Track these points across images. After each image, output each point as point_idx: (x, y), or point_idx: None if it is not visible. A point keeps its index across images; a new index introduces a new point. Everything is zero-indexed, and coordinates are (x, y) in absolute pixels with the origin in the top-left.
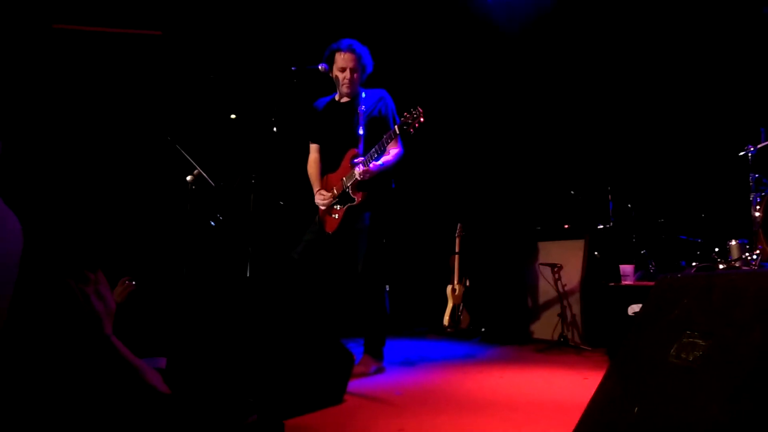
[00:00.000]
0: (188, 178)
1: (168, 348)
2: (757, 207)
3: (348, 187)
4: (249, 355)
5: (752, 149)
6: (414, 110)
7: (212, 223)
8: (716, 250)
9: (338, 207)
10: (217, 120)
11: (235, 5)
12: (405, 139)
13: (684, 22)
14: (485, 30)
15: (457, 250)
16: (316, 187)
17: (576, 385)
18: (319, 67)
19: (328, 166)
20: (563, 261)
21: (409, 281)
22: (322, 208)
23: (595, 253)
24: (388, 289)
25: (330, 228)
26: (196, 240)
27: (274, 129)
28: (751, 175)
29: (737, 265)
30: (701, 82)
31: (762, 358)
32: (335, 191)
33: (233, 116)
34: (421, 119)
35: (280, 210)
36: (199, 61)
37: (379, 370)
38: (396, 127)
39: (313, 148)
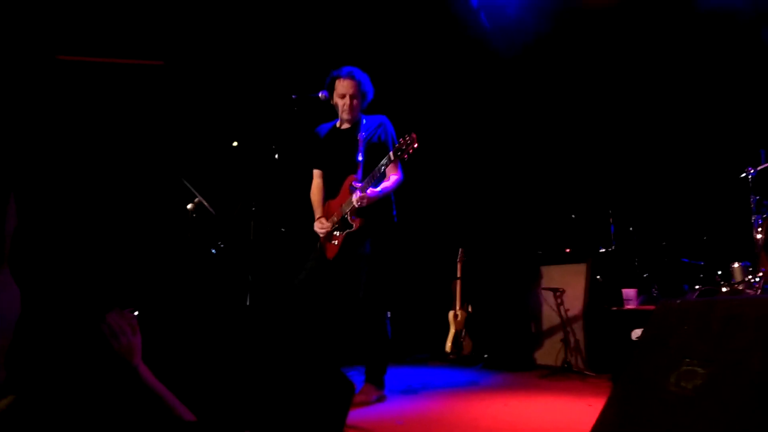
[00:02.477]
0: (189, 206)
1: (167, 376)
2: (759, 229)
3: (347, 213)
4: (247, 384)
5: (752, 171)
6: (408, 136)
7: (213, 251)
8: (719, 272)
9: (338, 233)
10: (219, 148)
11: (237, 34)
12: (405, 165)
13: (684, 46)
14: (485, 54)
15: (458, 275)
16: (317, 213)
17: (580, 411)
18: (320, 95)
19: (329, 192)
20: (566, 285)
21: (411, 307)
22: (321, 235)
23: (598, 277)
24: (389, 315)
25: (330, 254)
26: (197, 268)
27: (276, 156)
28: (752, 197)
29: (740, 287)
30: (701, 105)
31: (762, 386)
32: (335, 218)
33: (235, 144)
34: (415, 145)
35: (282, 237)
36: (201, 89)
37: (381, 399)
38: (390, 153)
39: (316, 174)
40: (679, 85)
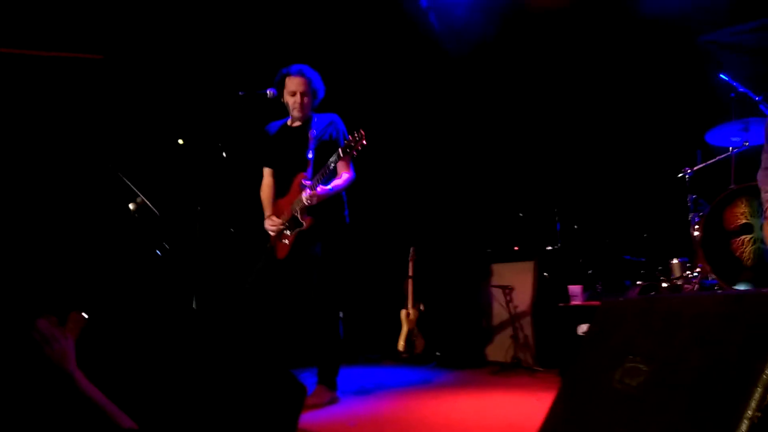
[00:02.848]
0: (131, 206)
1: (113, 382)
2: (696, 227)
3: (297, 211)
4: (195, 389)
5: (689, 171)
6: (356, 133)
7: (158, 252)
8: (659, 268)
9: (288, 232)
10: (164, 145)
11: (182, 28)
12: (356, 163)
13: (626, 49)
14: (435, 53)
15: (410, 273)
16: (267, 212)
17: (529, 407)
18: (267, 92)
19: (278, 191)
20: (515, 283)
21: (363, 307)
22: (272, 233)
23: (545, 274)
24: (341, 315)
25: (281, 254)
26: (140, 270)
27: (223, 155)
28: (689, 196)
29: (679, 283)
30: (642, 106)
31: (701, 383)
32: (285, 216)
33: (181, 141)
34: (364, 142)
35: (231, 237)
36: (145, 85)
37: (333, 401)
38: (339, 150)
39: (267, 172)
40: (622, 87)
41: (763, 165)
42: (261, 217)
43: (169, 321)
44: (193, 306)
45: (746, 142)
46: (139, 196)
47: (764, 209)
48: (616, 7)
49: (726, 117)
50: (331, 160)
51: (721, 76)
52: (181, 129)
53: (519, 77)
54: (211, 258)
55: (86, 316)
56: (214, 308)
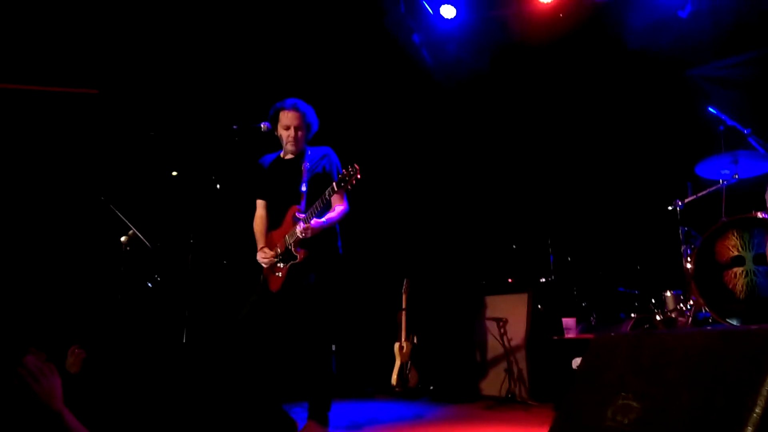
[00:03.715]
0: (122, 239)
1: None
2: (689, 259)
3: (290, 244)
4: (185, 424)
5: (680, 204)
6: (351, 167)
7: (149, 284)
8: (653, 301)
9: (281, 265)
10: (157, 178)
11: (177, 62)
12: (350, 196)
13: (616, 84)
14: (428, 87)
15: (404, 306)
16: (260, 244)
17: None
18: (261, 126)
19: (271, 223)
20: (508, 315)
21: (356, 340)
22: (265, 266)
23: (539, 306)
24: (334, 348)
25: (274, 287)
26: (131, 302)
27: (217, 187)
28: (681, 228)
29: (673, 315)
30: (633, 140)
31: (693, 421)
32: (278, 249)
33: (175, 174)
34: (358, 176)
35: (224, 270)
36: (139, 118)
37: None
38: (334, 184)
39: (260, 204)
40: (613, 120)
41: None
42: (254, 250)
43: (160, 355)
44: (184, 340)
45: (736, 174)
46: (131, 228)
47: None
48: (606, 43)
49: (715, 150)
50: (325, 193)
51: (710, 109)
52: (175, 161)
53: (512, 110)
54: (204, 290)
55: (85, 351)
56: (206, 342)
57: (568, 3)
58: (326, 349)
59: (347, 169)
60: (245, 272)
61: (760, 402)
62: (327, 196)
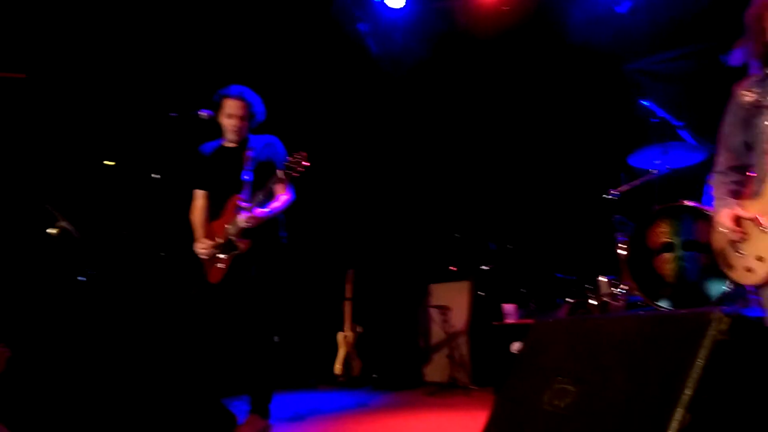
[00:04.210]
0: (51, 231)
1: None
2: (622, 245)
3: (233, 234)
4: (120, 421)
5: (614, 193)
6: (298, 154)
7: (81, 278)
8: (588, 286)
9: (223, 256)
10: (89, 167)
11: (111, 47)
12: (296, 183)
13: (554, 77)
14: (372, 76)
15: (348, 295)
16: (198, 235)
17: (465, 427)
18: (201, 114)
19: (212, 213)
20: (451, 303)
21: (299, 330)
22: (204, 257)
23: (480, 293)
24: (277, 339)
25: (214, 278)
26: (62, 297)
27: (154, 177)
28: (615, 216)
29: (607, 300)
30: (571, 131)
31: (627, 403)
32: (220, 239)
33: (108, 162)
34: (305, 163)
35: (162, 263)
36: (70, 104)
37: (266, 430)
38: (279, 171)
39: (199, 194)
40: (552, 111)
41: (715, 168)
42: (192, 240)
43: (94, 351)
44: (119, 335)
45: (667, 165)
46: (60, 220)
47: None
48: (548, 36)
49: (648, 141)
50: (270, 181)
51: (643, 102)
52: (109, 150)
53: (456, 101)
54: (140, 284)
55: (9, 349)
56: (142, 337)
57: None
58: (269, 340)
59: (294, 156)
60: (184, 265)
61: (690, 384)
62: (271, 185)
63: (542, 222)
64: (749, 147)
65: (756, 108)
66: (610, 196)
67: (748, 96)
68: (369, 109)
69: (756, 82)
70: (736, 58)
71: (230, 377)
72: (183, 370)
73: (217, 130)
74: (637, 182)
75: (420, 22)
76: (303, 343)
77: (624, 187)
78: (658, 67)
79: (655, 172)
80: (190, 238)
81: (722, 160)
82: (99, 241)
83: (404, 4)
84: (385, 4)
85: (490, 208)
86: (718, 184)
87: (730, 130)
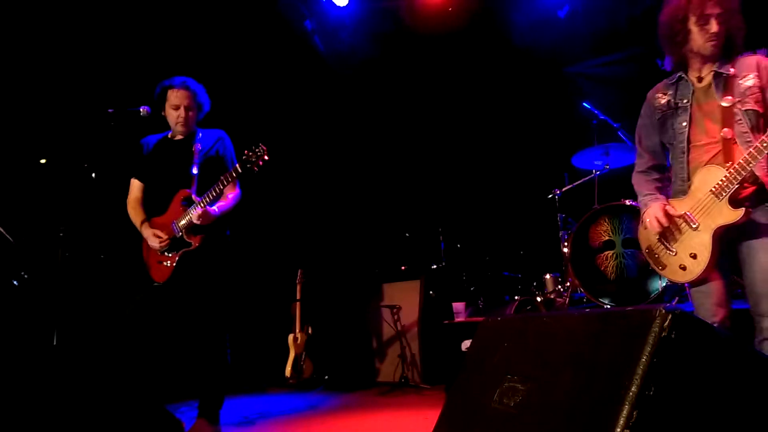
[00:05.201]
0: None
1: None
2: (566, 244)
3: (181, 230)
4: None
5: (558, 192)
6: (257, 148)
7: (15, 282)
8: (534, 284)
9: (169, 254)
10: (23, 167)
11: (45, 41)
12: (243, 182)
13: (500, 79)
14: (320, 74)
15: (298, 296)
16: (145, 229)
17: (417, 426)
18: (140, 110)
19: (154, 208)
20: (402, 302)
21: (249, 332)
22: (158, 248)
23: (431, 292)
24: (227, 342)
25: (160, 277)
26: None
27: (91, 175)
28: (559, 215)
29: (552, 296)
30: (517, 133)
31: (575, 401)
32: (166, 235)
33: (43, 161)
34: (266, 157)
35: (100, 265)
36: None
37: None
38: (237, 165)
39: (136, 186)
40: (499, 114)
41: (636, 168)
42: (135, 241)
43: (28, 359)
44: (54, 341)
45: (607, 165)
46: None
47: (641, 213)
48: (493, 38)
49: (589, 142)
50: (223, 177)
51: (584, 104)
52: (44, 148)
53: (403, 100)
54: (77, 287)
55: None
56: (81, 342)
57: None
58: (220, 342)
59: (253, 150)
60: (124, 266)
61: (636, 380)
62: (228, 179)
63: (490, 221)
64: (666, 147)
65: (671, 109)
66: (554, 196)
67: (662, 98)
68: (317, 106)
69: (670, 85)
70: (669, 62)
71: (180, 382)
72: (125, 376)
73: (159, 126)
74: (579, 182)
75: (367, 21)
76: (253, 346)
77: (567, 187)
78: (597, 70)
79: (596, 172)
80: (131, 238)
81: (642, 161)
82: (34, 243)
83: (347, 2)
84: (331, 1)
85: (439, 207)
86: (642, 182)
87: (646, 133)
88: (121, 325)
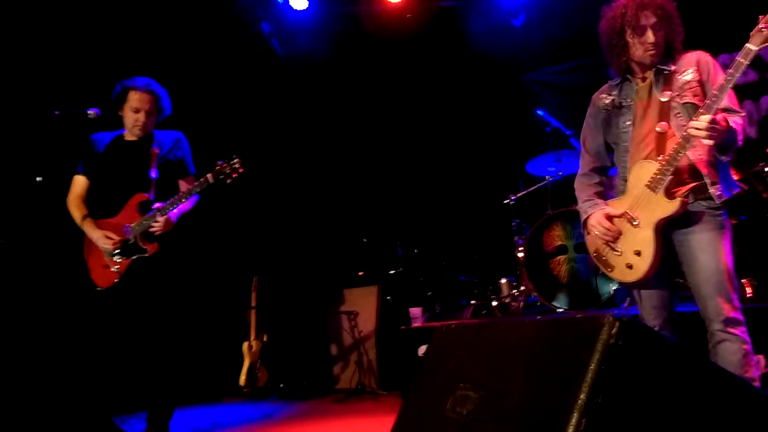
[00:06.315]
0: None
1: None
2: (520, 248)
3: (136, 235)
4: None
5: (513, 198)
6: (232, 160)
7: None
8: (490, 288)
9: (118, 258)
10: None
11: None
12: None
13: (457, 84)
14: (278, 77)
15: (253, 304)
16: (91, 229)
17: None
18: (89, 112)
19: (103, 209)
20: (359, 308)
21: (202, 341)
22: (109, 251)
23: (388, 297)
24: (178, 351)
25: (105, 282)
26: None
27: (36, 179)
28: (514, 220)
29: (507, 300)
30: (474, 139)
31: (526, 409)
32: (115, 239)
33: None
34: (240, 170)
35: (43, 272)
36: None
37: None
38: (209, 176)
39: (81, 183)
40: (456, 120)
41: (579, 171)
42: (77, 247)
43: None
44: None
45: (560, 171)
46: None
47: (582, 220)
48: (451, 44)
49: (543, 149)
50: (195, 185)
51: (538, 111)
52: None
53: (362, 105)
54: (18, 296)
55: None
56: (21, 353)
57: (415, 3)
58: (171, 351)
59: (228, 162)
60: (68, 273)
61: (584, 388)
62: (196, 189)
63: (447, 226)
64: (610, 148)
65: (615, 108)
66: (509, 201)
67: (606, 98)
68: (274, 110)
69: (614, 86)
70: (612, 71)
71: (125, 393)
72: (69, 387)
73: (108, 126)
74: (533, 188)
75: (326, 25)
76: (206, 355)
77: (522, 193)
78: (551, 78)
79: (549, 178)
80: (73, 240)
81: (584, 163)
82: None
83: (307, 5)
84: (289, 4)
85: (396, 212)
86: (583, 186)
87: (590, 134)
88: (63, 331)
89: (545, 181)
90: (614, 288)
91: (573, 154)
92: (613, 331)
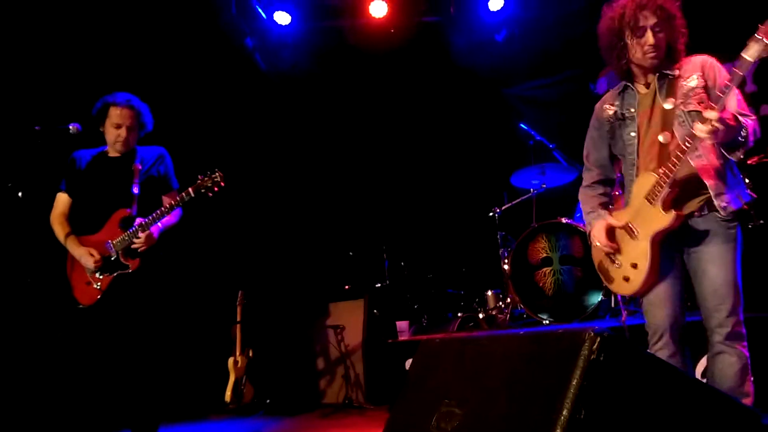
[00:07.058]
0: None
1: None
2: (506, 261)
3: (118, 251)
4: None
5: (498, 211)
6: (214, 174)
7: None
8: (476, 300)
9: (100, 275)
10: None
11: None
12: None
13: (444, 100)
14: (263, 92)
15: (238, 319)
16: (74, 246)
17: None
18: (70, 128)
19: (85, 225)
20: (346, 322)
21: (187, 357)
22: (93, 268)
23: (375, 311)
24: (163, 368)
25: (88, 300)
26: None
27: (18, 195)
28: (499, 233)
29: (494, 313)
30: (459, 152)
31: (509, 425)
32: (96, 256)
33: None
34: (222, 184)
35: (26, 289)
36: None
37: None
38: (190, 189)
39: (63, 200)
40: (441, 133)
41: (583, 183)
42: (60, 264)
43: None
44: None
45: (544, 184)
46: None
47: (587, 232)
48: (435, 59)
49: (527, 162)
50: (178, 200)
51: (521, 125)
52: None
53: (347, 119)
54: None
55: None
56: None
57: (398, 19)
58: (155, 368)
59: (209, 176)
60: (51, 291)
61: (567, 404)
62: (177, 203)
63: (433, 239)
64: (616, 159)
65: (618, 120)
66: (494, 214)
67: (609, 109)
68: (258, 124)
69: (616, 95)
70: (601, 85)
71: (108, 411)
72: (52, 405)
73: (89, 142)
74: (518, 200)
75: (310, 39)
76: (191, 371)
77: (507, 205)
78: (534, 92)
79: (533, 191)
80: (55, 257)
81: (589, 176)
82: None
83: (290, 21)
84: (273, 19)
85: (383, 226)
86: (587, 198)
87: (593, 148)
88: (44, 350)
89: (530, 194)
90: (599, 300)
91: (556, 167)
92: (594, 346)
